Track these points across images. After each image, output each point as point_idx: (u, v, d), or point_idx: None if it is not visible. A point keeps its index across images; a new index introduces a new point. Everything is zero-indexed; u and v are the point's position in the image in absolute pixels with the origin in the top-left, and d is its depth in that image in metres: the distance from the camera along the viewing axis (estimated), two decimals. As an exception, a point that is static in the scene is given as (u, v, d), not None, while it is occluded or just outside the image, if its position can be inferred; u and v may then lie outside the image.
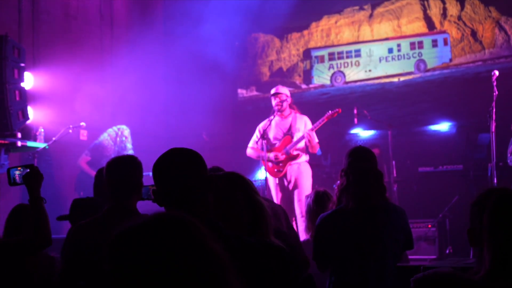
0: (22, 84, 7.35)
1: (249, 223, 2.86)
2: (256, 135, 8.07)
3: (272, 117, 7.92)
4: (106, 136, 9.15)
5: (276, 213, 4.07)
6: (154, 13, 10.96)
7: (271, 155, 7.82)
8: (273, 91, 8.06)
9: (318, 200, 5.00)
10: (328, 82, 11.37)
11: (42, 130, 8.38)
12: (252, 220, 2.88)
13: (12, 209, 4.35)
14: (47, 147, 8.19)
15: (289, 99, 7.97)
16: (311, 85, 11.38)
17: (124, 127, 9.29)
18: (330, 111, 7.78)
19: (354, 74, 11.20)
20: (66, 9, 10.24)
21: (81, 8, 10.62)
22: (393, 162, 8.67)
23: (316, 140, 7.79)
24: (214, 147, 10.76)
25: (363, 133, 10.70)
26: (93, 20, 10.89)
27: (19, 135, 7.33)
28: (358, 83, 11.20)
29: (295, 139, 7.82)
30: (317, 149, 7.87)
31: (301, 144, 7.81)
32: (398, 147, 9.08)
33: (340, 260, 4.03)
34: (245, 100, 12.01)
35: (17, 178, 3.73)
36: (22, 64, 7.35)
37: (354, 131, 10.41)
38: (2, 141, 7.11)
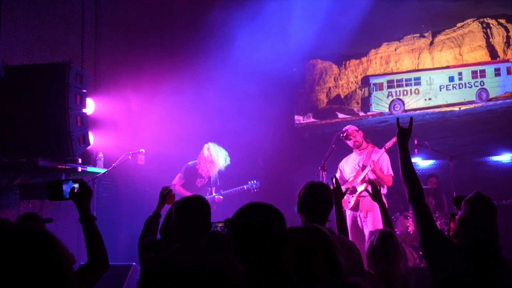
0: (83, 110, 7.46)
1: (328, 277, 2.85)
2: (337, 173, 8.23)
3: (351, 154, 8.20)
4: (206, 153, 9.03)
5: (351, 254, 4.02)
6: (212, 41, 11.04)
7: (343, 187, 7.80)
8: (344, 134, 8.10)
9: (382, 240, 4.51)
10: (386, 110, 11.22)
11: (102, 155, 8.47)
12: (331, 274, 2.87)
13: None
14: (106, 172, 8.26)
15: (356, 134, 7.99)
16: (369, 113, 11.23)
17: (213, 144, 9.19)
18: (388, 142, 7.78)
19: (413, 102, 11.02)
20: (127, 35, 10.38)
21: (142, 33, 10.76)
22: (454, 194, 8.45)
23: (388, 172, 7.74)
24: (269, 172, 10.71)
25: (422, 163, 10.49)
26: (153, 45, 11.02)
27: (80, 160, 7.43)
28: (417, 112, 11.01)
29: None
30: (388, 182, 7.76)
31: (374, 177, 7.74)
32: (459, 178, 8.86)
33: None
34: (302, 127, 11.94)
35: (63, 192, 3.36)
36: (84, 90, 7.46)
37: (413, 160, 10.19)
38: (63, 166, 7.21)
